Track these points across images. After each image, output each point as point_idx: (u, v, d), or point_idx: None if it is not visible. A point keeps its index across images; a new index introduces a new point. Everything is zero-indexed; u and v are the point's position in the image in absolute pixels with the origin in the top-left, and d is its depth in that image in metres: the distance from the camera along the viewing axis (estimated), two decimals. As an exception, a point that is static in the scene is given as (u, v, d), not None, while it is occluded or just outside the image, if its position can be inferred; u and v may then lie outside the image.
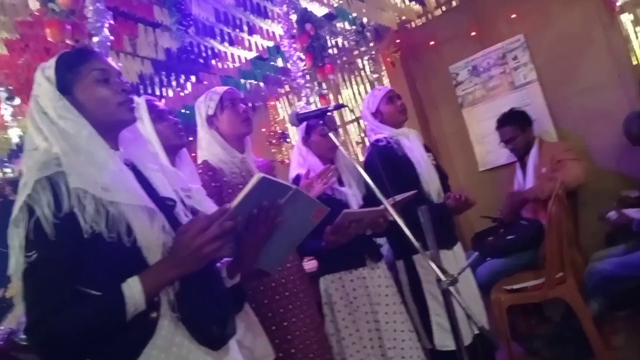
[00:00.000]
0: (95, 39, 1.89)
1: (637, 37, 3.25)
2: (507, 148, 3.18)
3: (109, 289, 0.94)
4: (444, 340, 2.11)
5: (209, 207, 1.53)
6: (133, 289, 0.93)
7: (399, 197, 1.78)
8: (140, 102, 1.55)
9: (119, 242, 0.96)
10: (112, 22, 1.97)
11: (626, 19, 3.27)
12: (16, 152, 3.71)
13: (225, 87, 1.93)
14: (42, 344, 0.93)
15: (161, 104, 1.65)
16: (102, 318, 0.94)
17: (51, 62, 1.09)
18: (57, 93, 1.04)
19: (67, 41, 1.83)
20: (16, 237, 0.94)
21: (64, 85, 1.05)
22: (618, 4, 3.20)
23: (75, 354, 0.95)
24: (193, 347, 1.01)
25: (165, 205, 1.09)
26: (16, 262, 0.94)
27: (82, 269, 0.95)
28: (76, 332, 0.92)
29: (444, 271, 1.18)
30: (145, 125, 1.51)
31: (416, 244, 1.22)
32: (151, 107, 1.57)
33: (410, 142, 2.33)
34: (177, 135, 1.58)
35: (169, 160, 1.54)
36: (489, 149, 3.74)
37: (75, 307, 0.92)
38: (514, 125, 3.10)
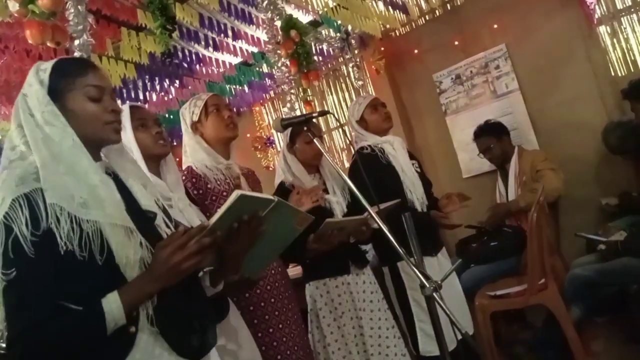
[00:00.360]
0: (76, 42, 1.86)
1: (614, 50, 3.33)
2: (486, 158, 3.23)
3: (89, 305, 0.94)
4: (427, 346, 2.11)
5: (192, 215, 1.51)
6: (112, 305, 0.93)
7: (383, 206, 1.78)
8: (124, 109, 1.53)
9: (91, 260, 0.95)
10: (94, 25, 1.95)
11: (604, 31, 3.35)
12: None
13: (210, 93, 1.92)
14: (22, 359, 0.92)
15: (146, 110, 1.60)
16: (82, 333, 0.94)
17: (47, 65, 1.07)
18: (47, 97, 1.03)
19: (48, 43, 1.79)
20: None
21: (55, 92, 1.04)
22: (596, 16, 3.28)
23: None
24: (173, 359, 1.01)
25: (145, 217, 1.08)
26: None
27: (63, 284, 0.94)
28: (56, 347, 0.92)
29: (427, 277, 1.18)
30: (126, 134, 1.48)
31: (400, 250, 1.22)
32: (134, 115, 1.54)
33: (395, 149, 2.34)
34: (158, 145, 1.53)
35: (152, 168, 1.51)
36: (473, 157, 3.77)
37: (54, 323, 0.92)
38: (489, 135, 3.17)
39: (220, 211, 1.02)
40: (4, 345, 0.96)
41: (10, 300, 0.92)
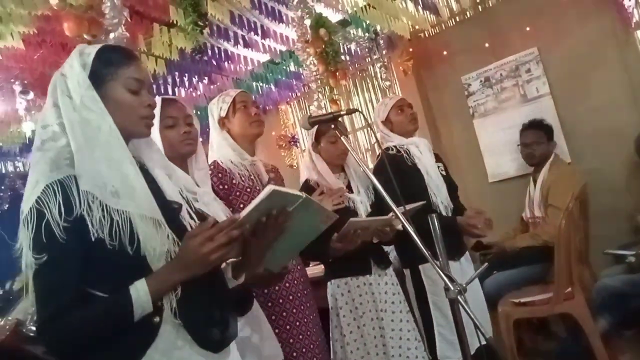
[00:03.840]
0: (111, 35, 1.90)
1: (652, 54, 3.22)
2: (524, 152, 3.10)
3: (117, 292, 0.95)
4: (445, 352, 2.09)
5: (217, 209, 1.52)
6: (140, 292, 0.95)
7: (408, 207, 1.77)
8: (156, 102, 1.53)
9: (121, 250, 0.96)
10: (128, 19, 1.99)
11: (642, 35, 3.25)
12: (29, 147, 3.74)
13: (238, 90, 1.94)
14: (51, 343, 0.95)
15: (179, 106, 1.58)
16: (110, 320, 0.95)
17: (91, 50, 1.07)
18: (87, 81, 1.03)
19: (85, 36, 1.84)
20: (25, 239, 0.95)
21: (97, 78, 1.04)
22: (634, 20, 3.18)
23: (81, 354, 0.96)
24: (194, 351, 1.02)
25: (171, 209, 1.09)
26: (26, 262, 0.95)
27: (91, 271, 0.96)
28: (84, 332, 0.94)
29: (452, 280, 1.16)
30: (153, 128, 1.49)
31: (426, 252, 1.21)
32: (166, 111, 1.53)
33: (421, 152, 2.32)
34: (184, 144, 1.54)
35: (179, 164, 1.52)
36: (499, 161, 3.72)
37: (84, 309, 0.94)
38: (541, 131, 3.07)
39: (252, 205, 1.03)
40: (34, 328, 0.99)
41: (41, 285, 0.94)
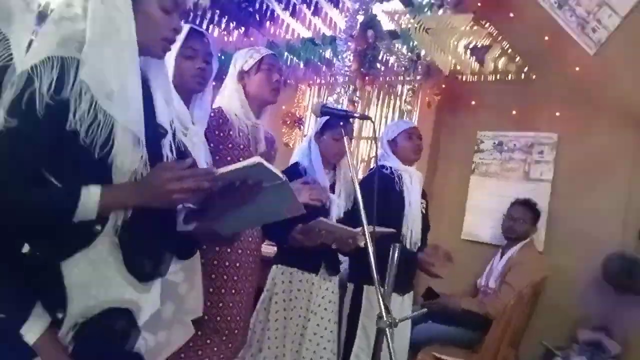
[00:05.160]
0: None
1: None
2: (506, 224, 3.15)
3: (70, 187, 0.93)
4: (355, 375, 2.11)
5: (200, 152, 1.51)
6: (91, 197, 0.92)
7: (378, 229, 1.77)
8: (183, 29, 1.51)
9: (89, 149, 0.94)
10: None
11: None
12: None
13: (269, 51, 1.92)
14: None
15: (204, 41, 1.55)
16: (50, 209, 0.93)
17: None
18: None
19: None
20: (4, 97, 0.92)
21: None
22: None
23: (14, 233, 0.94)
24: (120, 272, 1.01)
25: (155, 132, 1.08)
26: None
27: (55, 158, 0.93)
28: (22, 210, 0.92)
29: (388, 311, 1.17)
30: (170, 54, 1.46)
31: (375, 276, 1.21)
32: (189, 41, 1.51)
33: (411, 182, 2.34)
34: (194, 80, 1.52)
35: (183, 97, 1.51)
36: (478, 223, 3.75)
37: (32, 188, 0.91)
38: (530, 211, 3.14)
39: (232, 167, 1.03)
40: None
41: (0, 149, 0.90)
